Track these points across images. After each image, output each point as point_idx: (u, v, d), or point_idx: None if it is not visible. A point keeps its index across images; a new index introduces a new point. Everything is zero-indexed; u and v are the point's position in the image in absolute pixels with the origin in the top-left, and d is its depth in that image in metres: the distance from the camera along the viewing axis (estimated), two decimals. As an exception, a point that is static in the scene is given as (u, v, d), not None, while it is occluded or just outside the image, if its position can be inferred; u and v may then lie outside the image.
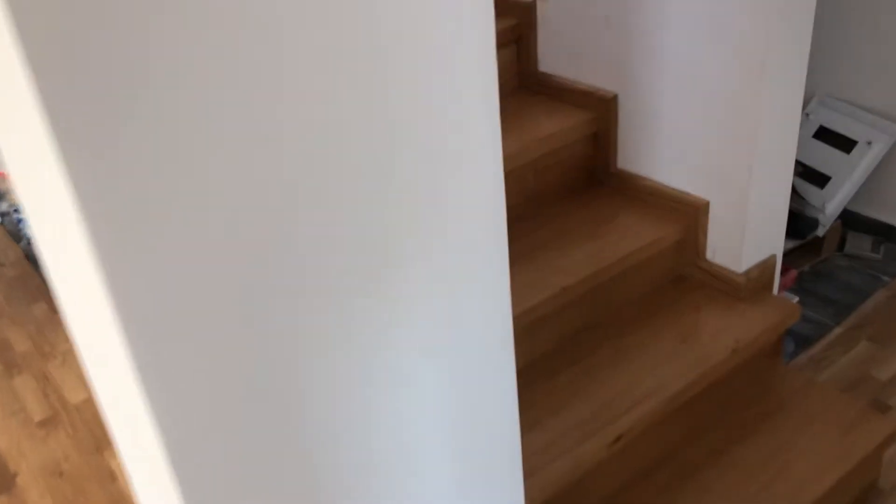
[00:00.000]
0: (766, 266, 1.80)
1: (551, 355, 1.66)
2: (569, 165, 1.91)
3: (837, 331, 2.18)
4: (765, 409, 1.70)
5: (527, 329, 1.62)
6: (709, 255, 1.80)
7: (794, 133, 1.70)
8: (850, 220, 2.51)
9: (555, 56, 1.95)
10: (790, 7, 1.51)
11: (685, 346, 1.64)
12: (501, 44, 1.96)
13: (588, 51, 1.86)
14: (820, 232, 2.38)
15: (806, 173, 2.46)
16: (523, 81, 2.03)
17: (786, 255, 2.34)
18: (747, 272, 1.76)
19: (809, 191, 2.43)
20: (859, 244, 2.47)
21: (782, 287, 2.28)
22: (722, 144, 1.66)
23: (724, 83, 1.60)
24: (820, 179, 2.43)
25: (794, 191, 2.39)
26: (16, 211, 3.28)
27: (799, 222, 2.36)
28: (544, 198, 1.88)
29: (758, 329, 1.68)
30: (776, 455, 1.60)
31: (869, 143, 2.34)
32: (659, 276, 1.83)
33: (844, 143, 2.40)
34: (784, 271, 2.30)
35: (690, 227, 1.79)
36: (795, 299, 2.26)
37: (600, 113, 1.87)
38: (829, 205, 2.38)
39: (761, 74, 1.53)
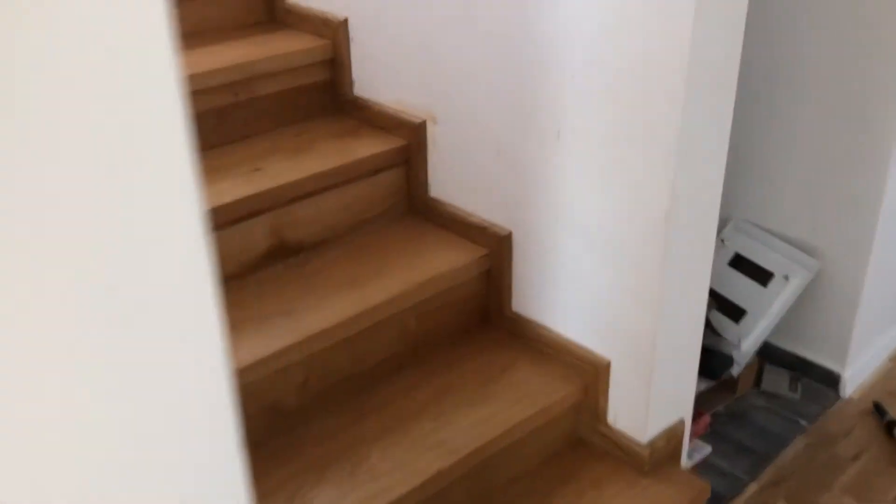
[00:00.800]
0: (672, 433, 1.59)
1: (423, 548, 1.41)
2: (458, 306, 1.68)
3: (753, 487, 1.98)
4: None
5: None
6: (610, 419, 1.59)
7: (705, 282, 1.52)
8: (766, 352, 2.35)
9: (446, 182, 1.75)
10: (696, 144, 1.34)
11: (579, 538, 1.41)
12: (389, 165, 1.75)
13: (481, 182, 1.66)
14: (735, 371, 2.21)
15: (721, 306, 2.30)
16: (412, 206, 1.81)
17: (698, 396, 2.15)
18: (652, 442, 1.55)
19: (724, 324, 2.26)
20: (776, 381, 2.31)
21: (694, 435, 2.09)
22: (623, 298, 1.47)
23: (624, 233, 1.42)
24: (735, 312, 2.27)
25: (709, 324, 2.22)
26: None
27: (713, 360, 2.18)
28: (428, 344, 1.65)
29: (661, 517, 1.46)
30: None
31: (786, 278, 2.20)
32: (554, 442, 1.60)
33: (761, 275, 2.25)
34: (696, 417, 2.10)
35: (590, 388, 1.57)
36: (708, 450, 2.06)
37: (493, 250, 1.66)
38: (745, 342, 2.22)
39: (665, 224, 1.35)
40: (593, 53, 1.34)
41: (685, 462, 1.67)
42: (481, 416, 1.48)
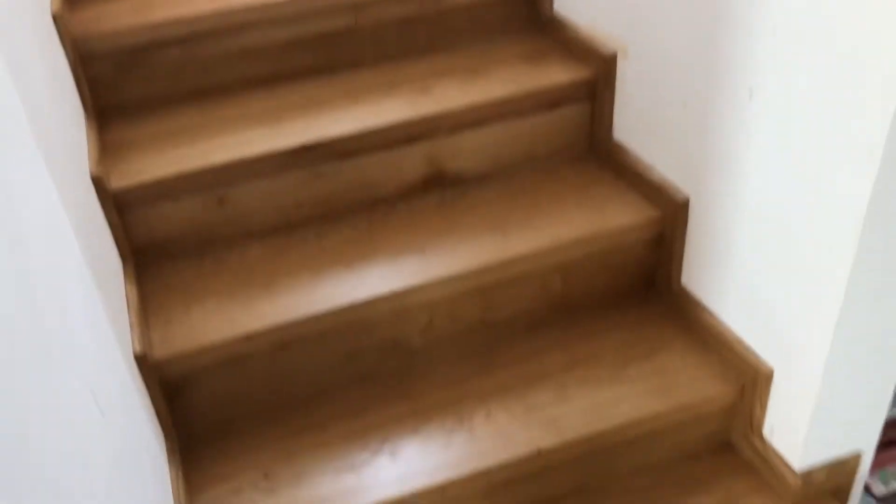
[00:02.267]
0: (840, 468, 1.32)
1: (515, 522, 1.33)
2: (616, 271, 1.50)
3: (960, 537, 1.64)
4: None
5: (485, 493, 1.29)
6: (766, 431, 1.35)
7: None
8: None
9: (631, 127, 1.53)
10: None
11: (685, 559, 1.25)
12: (572, 98, 1.57)
13: (665, 133, 1.43)
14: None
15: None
16: (592, 148, 1.63)
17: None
18: (808, 474, 1.30)
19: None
20: None
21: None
22: (798, 302, 1.20)
23: (812, 224, 1.14)
24: None
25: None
26: None
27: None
28: (573, 307, 1.50)
29: (796, 561, 1.24)
30: None
31: None
32: (696, 442, 1.40)
33: None
34: (908, 437, 1.75)
35: (747, 393, 1.35)
36: (912, 480, 1.73)
37: (668, 214, 1.44)
38: None
39: (864, 220, 1.06)
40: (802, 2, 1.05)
41: (856, 501, 1.40)
42: (607, 399, 1.33)
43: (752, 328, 1.34)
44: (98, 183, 1.32)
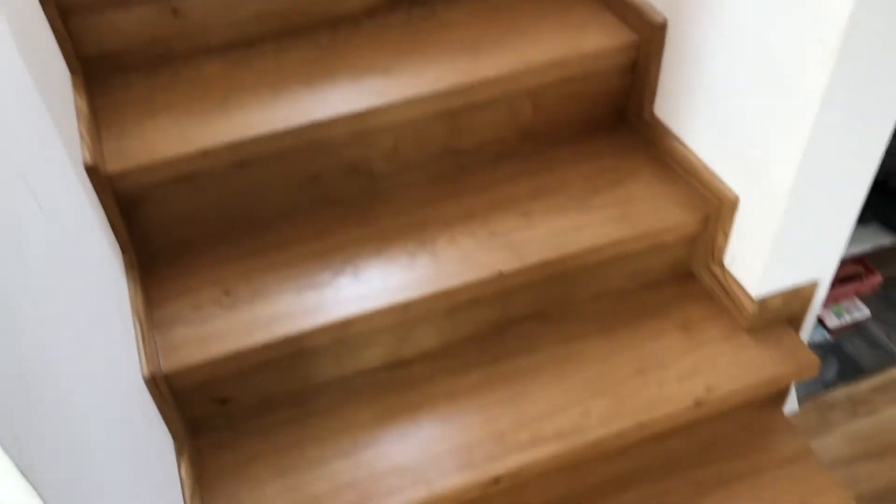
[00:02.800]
0: (796, 295, 1.35)
1: (474, 342, 1.35)
2: (589, 99, 1.46)
3: (904, 368, 1.71)
4: (726, 475, 1.34)
5: (446, 313, 1.30)
6: (727, 260, 1.37)
7: (885, 128, 1.18)
8: None
9: (612, -56, 1.44)
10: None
11: (639, 379, 1.28)
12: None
13: (647, -51, 1.35)
14: (936, 232, 1.82)
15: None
16: (570, -32, 1.54)
17: (878, 252, 1.82)
18: (764, 300, 1.32)
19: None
20: None
21: (855, 293, 1.80)
22: (768, 129, 1.18)
23: (784, 48, 1.10)
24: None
25: (922, 172, 1.81)
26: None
27: (909, 214, 1.80)
28: (543, 135, 1.47)
29: (745, 381, 1.28)
30: (714, 537, 1.27)
31: None
32: (657, 270, 1.42)
33: None
34: (866, 274, 1.79)
35: (711, 221, 1.35)
36: (865, 313, 1.78)
37: (645, 38, 1.38)
38: (963, 201, 1.80)
39: (838, 49, 1.02)
40: None
41: (809, 329, 1.44)
42: (570, 226, 1.33)
43: (720, 156, 1.32)
44: (37, -16, 1.23)
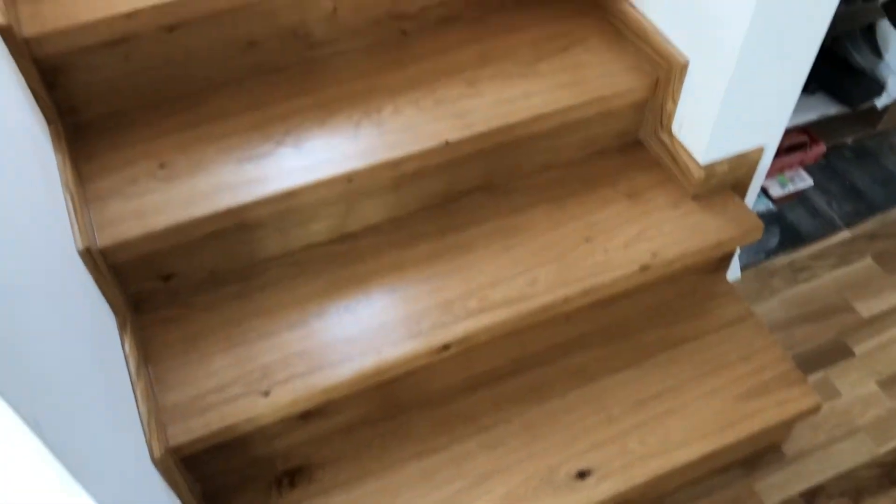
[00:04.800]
0: (741, 161, 1.35)
1: (421, 215, 1.33)
2: (537, -41, 1.40)
3: (843, 235, 1.75)
4: (671, 338, 1.37)
5: (392, 185, 1.28)
6: (675, 127, 1.36)
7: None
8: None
9: None
10: None
11: (586, 247, 1.28)
12: None
13: None
14: (881, 102, 1.83)
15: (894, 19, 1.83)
16: None
17: (824, 121, 1.83)
18: (711, 165, 1.32)
19: (890, 43, 1.83)
20: (932, 125, 1.92)
21: (799, 163, 1.82)
22: (723, -11, 1.15)
23: None
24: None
25: (868, 40, 1.81)
26: None
27: (857, 83, 1.80)
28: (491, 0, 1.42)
29: (690, 245, 1.29)
30: (658, 398, 1.31)
31: None
32: (603, 138, 1.40)
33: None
34: (810, 144, 1.81)
35: (661, 87, 1.33)
36: (808, 182, 1.80)
37: None
38: (907, 70, 1.80)
39: None
40: None
41: (754, 196, 1.45)
42: (518, 94, 1.29)
43: (671, 19, 1.28)
44: None
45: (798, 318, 1.60)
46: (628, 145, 1.43)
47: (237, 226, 1.19)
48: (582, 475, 1.22)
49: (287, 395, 1.12)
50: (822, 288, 1.65)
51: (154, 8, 1.16)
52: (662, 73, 1.31)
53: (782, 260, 1.70)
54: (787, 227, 1.75)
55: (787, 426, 1.37)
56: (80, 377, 0.85)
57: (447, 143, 1.24)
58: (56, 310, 0.86)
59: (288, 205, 1.20)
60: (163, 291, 1.22)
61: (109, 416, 0.91)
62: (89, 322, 0.98)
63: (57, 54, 1.15)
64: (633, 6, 1.35)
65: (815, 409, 1.31)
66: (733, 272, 1.59)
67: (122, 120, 1.26)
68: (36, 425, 0.63)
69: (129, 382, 1.07)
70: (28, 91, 1.12)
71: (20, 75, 1.09)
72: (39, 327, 0.76)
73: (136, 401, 1.06)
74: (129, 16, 1.15)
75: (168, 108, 1.28)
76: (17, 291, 0.73)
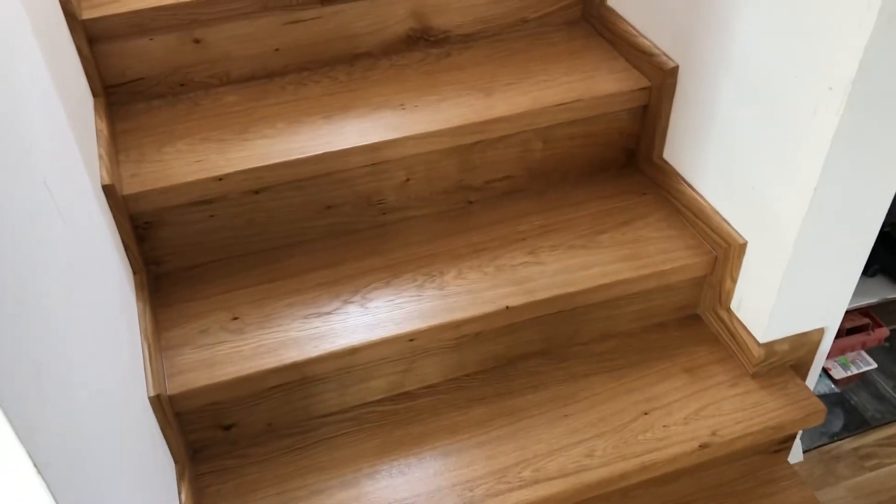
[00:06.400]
0: (803, 342, 1.35)
1: (479, 377, 1.35)
2: (599, 140, 1.48)
3: (909, 422, 1.69)
4: (730, 520, 1.33)
5: (452, 346, 1.30)
6: (734, 304, 1.37)
7: (893, 181, 1.19)
8: None
9: (626, -8, 1.48)
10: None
11: (645, 421, 1.27)
12: (568, -38, 1.51)
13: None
14: (944, 286, 1.82)
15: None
16: (586, 13, 1.58)
17: (887, 304, 1.82)
18: (770, 345, 1.32)
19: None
20: None
21: (862, 345, 1.79)
22: (776, 174, 1.20)
23: (792, 95, 1.12)
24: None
25: (929, 227, 1.82)
26: None
27: (916, 266, 1.80)
28: (553, 173, 1.49)
29: (751, 426, 1.27)
30: (717, 584, 1.25)
31: None
32: (662, 312, 1.42)
33: None
34: (873, 326, 1.79)
35: (719, 265, 1.35)
36: (870, 365, 1.77)
37: (656, 84, 1.41)
38: (970, 256, 1.80)
39: (845, 95, 1.04)
40: None
41: (815, 378, 1.43)
42: (578, 263, 1.33)
43: (729, 201, 1.33)
44: (68, 10, 1.26)
45: (866, 509, 1.53)
46: (687, 319, 1.44)
47: (299, 380, 1.22)
48: None
49: (335, 557, 1.11)
50: (891, 477, 1.58)
51: (243, 172, 1.26)
52: (721, 252, 1.34)
53: (847, 445, 1.65)
54: (850, 411, 1.71)
55: None
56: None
57: (507, 308, 1.27)
58: (126, 455, 0.88)
59: (350, 361, 1.23)
60: (222, 441, 1.24)
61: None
62: (152, 469, 1.00)
63: (150, 211, 1.25)
64: (690, 187, 1.40)
65: None
66: (795, 454, 1.54)
67: (201, 272, 1.33)
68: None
69: (182, 534, 1.07)
70: (120, 243, 1.20)
71: (115, 228, 1.18)
72: (109, 465, 0.79)
73: (187, 553, 1.06)
74: (220, 179, 1.25)
75: (245, 263, 1.35)
76: (93, 426, 0.76)
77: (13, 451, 0.49)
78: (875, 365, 1.77)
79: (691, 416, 1.28)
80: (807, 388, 1.35)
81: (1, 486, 0.48)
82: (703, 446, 1.24)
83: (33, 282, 0.66)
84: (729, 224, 1.33)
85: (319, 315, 1.26)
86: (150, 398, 1.08)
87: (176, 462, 1.15)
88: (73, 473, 0.62)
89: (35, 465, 0.49)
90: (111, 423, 0.84)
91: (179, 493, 1.12)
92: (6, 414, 0.49)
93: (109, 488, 0.75)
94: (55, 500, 0.51)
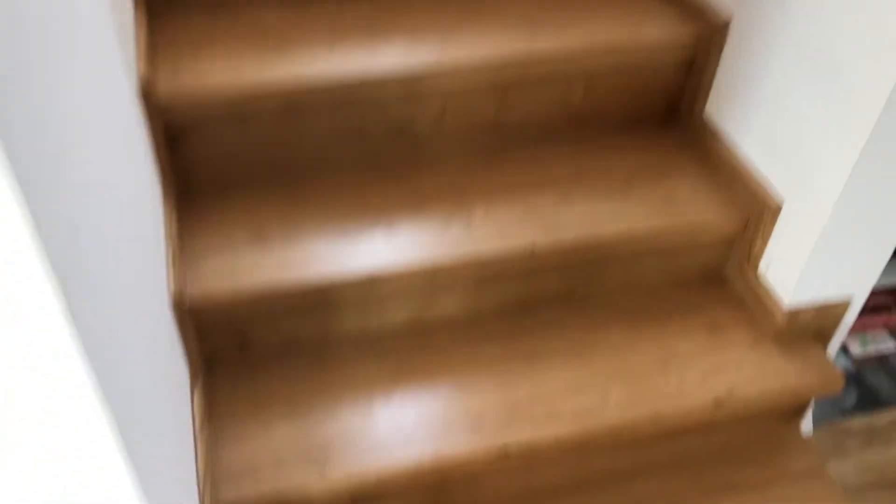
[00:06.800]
0: (827, 311, 1.33)
1: (497, 317, 1.34)
2: (641, 90, 1.45)
3: (925, 406, 1.67)
4: (738, 481, 1.32)
5: (474, 283, 1.29)
6: (761, 267, 1.35)
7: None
8: None
9: (683, -60, 1.44)
10: None
11: (660, 374, 1.27)
12: None
13: (719, -53, 1.35)
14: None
15: None
16: (638, -39, 1.54)
17: (912, 287, 1.79)
18: (795, 311, 1.31)
19: None
20: None
21: (884, 324, 1.77)
22: (822, 135, 1.17)
23: (845, 60, 1.09)
24: None
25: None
26: None
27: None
28: (591, 121, 1.46)
29: (767, 388, 1.26)
30: (717, 541, 1.25)
31: None
32: (688, 269, 1.41)
33: None
34: (894, 305, 1.77)
35: (751, 226, 1.33)
36: (889, 345, 1.75)
37: (705, 37, 1.38)
38: None
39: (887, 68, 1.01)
40: None
41: (835, 349, 1.41)
42: (608, 211, 1.32)
43: (770, 161, 1.30)
44: None
45: (872, 485, 1.52)
46: (712, 278, 1.42)
47: (320, 300, 1.22)
48: None
49: (341, 476, 1.11)
50: (899, 457, 1.57)
51: (280, 91, 1.24)
52: (755, 213, 1.32)
53: (859, 422, 1.63)
54: (865, 389, 1.69)
55: None
56: (160, 419, 0.86)
57: (534, 249, 1.26)
58: (147, 354, 0.88)
59: (371, 286, 1.22)
60: (237, 352, 1.25)
61: (175, 471, 0.92)
62: (170, 371, 1.01)
63: (183, 118, 1.24)
64: (731, 144, 1.38)
65: (887, 583, 1.23)
66: (806, 425, 1.53)
67: (228, 185, 1.32)
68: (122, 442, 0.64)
69: (192, 437, 1.08)
70: (152, 150, 1.19)
71: (148, 129, 1.17)
72: (134, 353, 0.79)
73: (196, 456, 1.07)
74: (256, 93, 1.23)
75: (274, 181, 1.34)
76: (122, 313, 0.76)
77: (48, 299, 0.48)
78: (894, 346, 1.75)
79: (709, 373, 1.27)
80: (827, 356, 1.33)
81: (34, 330, 0.48)
82: (718, 403, 1.23)
83: (74, 150, 0.65)
84: (767, 184, 1.31)
85: (345, 238, 1.25)
86: (171, 300, 1.08)
87: (191, 367, 1.16)
88: (100, 333, 0.62)
89: (69, 312, 0.49)
90: (136, 308, 0.84)
91: (192, 398, 1.12)
92: (44, 261, 0.49)
93: (133, 363, 0.75)
94: (84, 347, 0.50)
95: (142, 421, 0.76)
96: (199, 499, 1.02)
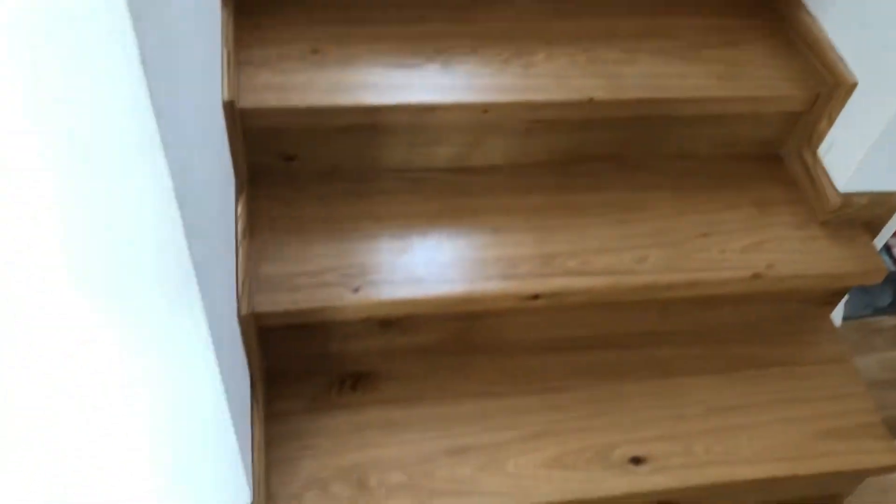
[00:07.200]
0: (882, 201, 1.29)
1: (544, 168, 1.32)
2: (726, -51, 1.37)
3: (960, 315, 1.66)
4: (763, 357, 1.32)
5: (525, 129, 1.27)
6: (822, 149, 1.31)
7: None
8: None
9: None
10: None
11: (703, 241, 1.25)
12: None
13: None
14: None
15: None
16: None
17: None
18: (849, 196, 1.27)
19: None
20: None
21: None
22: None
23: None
24: None
25: None
26: None
27: None
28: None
29: (808, 268, 1.24)
30: (734, 411, 1.26)
31: None
32: (747, 144, 1.36)
33: None
34: (950, 214, 1.71)
35: (820, 104, 1.28)
36: (936, 253, 1.71)
37: None
38: None
39: None
40: None
41: (882, 242, 1.39)
42: (673, 72, 1.27)
43: (850, 36, 1.24)
44: None
45: (893, 382, 1.53)
46: (769, 155, 1.38)
47: (369, 125, 1.20)
48: (637, 461, 1.19)
49: (375, 297, 1.13)
50: (924, 360, 1.57)
51: None
52: (825, 90, 1.26)
53: (889, 321, 1.62)
54: (902, 292, 1.67)
55: (858, 478, 1.31)
56: (214, 220, 0.87)
57: (591, 101, 1.22)
58: (205, 146, 0.88)
59: (422, 118, 1.20)
60: (281, 171, 1.25)
61: (220, 273, 0.93)
62: (219, 172, 1.01)
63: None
64: (811, 15, 1.30)
65: (894, 469, 1.25)
66: (837, 315, 1.53)
67: (286, 3, 1.29)
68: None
69: (235, 242, 1.10)
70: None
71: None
72: (198, 155, 0.79)
73: (237, 261, 1.09)
74: None
75: (332, 2, 1.30)
76: (189, 126, 0.76)
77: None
78: (941, 253, 1.72)
79: (750, 246, 1.26)
80: (872, 245, 1.31)
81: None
82: (755, 276, 1.22)
83: None
84: (843, 61, 1.24)
85: (400, 66, 1.22)
86: (223, 102, 1.07)
87: (237, 176, 1.16)
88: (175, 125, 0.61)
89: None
90: (199, 104, 0.83)
91: (236, 206, 1.14)
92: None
93: (198, 159, 0.75)
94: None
95: (206, 213, 0.77)
96: (237, 303, 1.05)
